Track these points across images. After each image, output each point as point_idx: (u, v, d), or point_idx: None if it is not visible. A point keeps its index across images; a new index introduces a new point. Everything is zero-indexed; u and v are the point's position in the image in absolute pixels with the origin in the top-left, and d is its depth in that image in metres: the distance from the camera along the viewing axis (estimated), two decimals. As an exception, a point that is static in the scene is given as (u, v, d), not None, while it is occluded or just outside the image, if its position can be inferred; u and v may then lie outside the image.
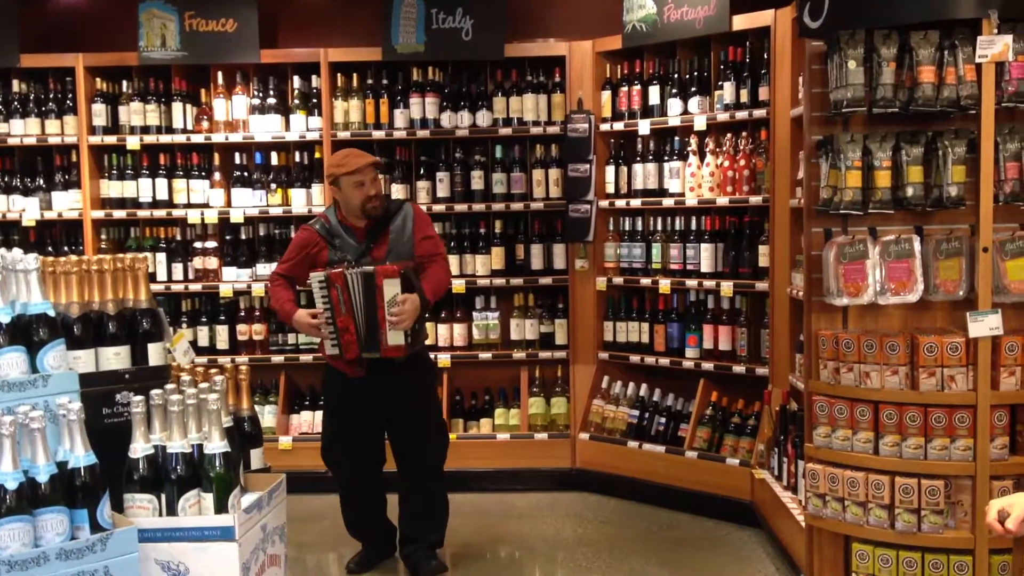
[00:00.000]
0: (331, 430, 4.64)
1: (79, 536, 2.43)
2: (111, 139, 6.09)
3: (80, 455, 2.46)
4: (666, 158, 5.73)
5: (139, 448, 2.64)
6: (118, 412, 2.83)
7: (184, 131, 6.13)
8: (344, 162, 4.39)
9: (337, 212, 4.48)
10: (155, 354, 2.96)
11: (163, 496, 2.65)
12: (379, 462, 4.64)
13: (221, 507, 2.67)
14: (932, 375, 3.74)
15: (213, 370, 3.14)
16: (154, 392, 2.70)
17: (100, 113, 6.08)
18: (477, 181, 6.08)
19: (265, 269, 6.11)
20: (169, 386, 2.81)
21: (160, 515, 2.64)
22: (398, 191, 6.03)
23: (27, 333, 2.61)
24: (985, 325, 3.70)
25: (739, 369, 5.42)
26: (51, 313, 2.67)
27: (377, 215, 4.40)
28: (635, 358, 5.85)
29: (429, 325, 5.60)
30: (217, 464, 2.67)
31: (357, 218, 4.43)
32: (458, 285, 5.92)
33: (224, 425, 2.78)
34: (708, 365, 5.55)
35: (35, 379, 2.57)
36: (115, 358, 2.86)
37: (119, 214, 6.13)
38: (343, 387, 4.49)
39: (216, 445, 2.69)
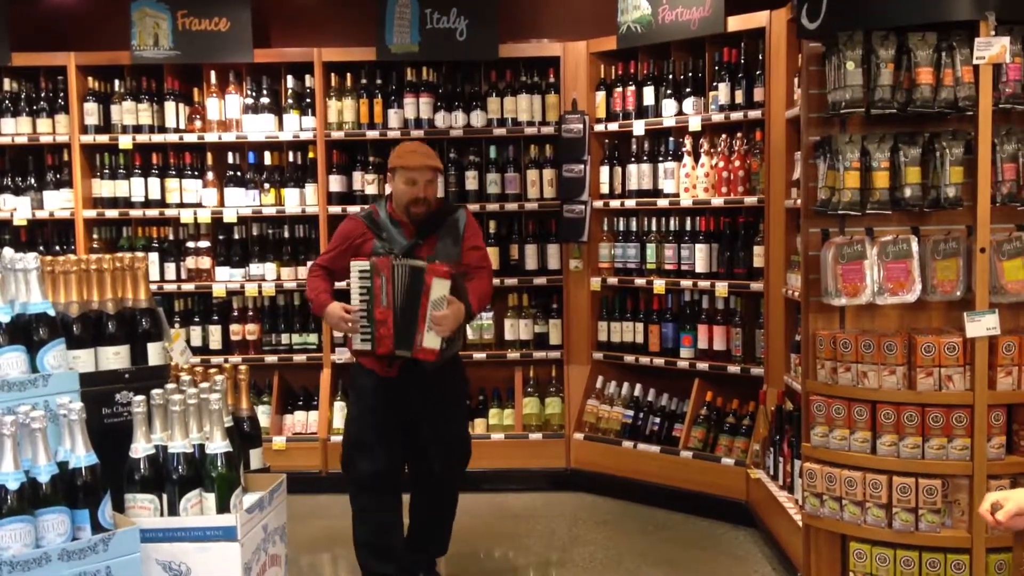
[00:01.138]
0: (356, 430, 4.27)
1: (80, 536, 2.41)
2: (103, 138, 6.05)
3: (81, 455, 2.44)
4: (661, 159, 5.73)
5: (140, 448, 2.62)
6: (118, 412, 2.81)
7: (177, 130, 6.10)
8: (404, 155, 4.17)
9: (387, 205, 4.24)
10: (155, 354, 2.94)
11: (164, 496, 2.63)
12: (400, 469, 4.35)
13: (223, 507, 2.65)
14: (929, 375, 3.75)
15: (213, 370, 3.12)
16: (155, 392, 2.68)
17: (92, 112, 6.06)
18: (471, 181, 6.08)
19: (258, 269, 6.10)
20: (170, 386, 2.79)
21: (161, 515, 2.63)
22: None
23: (27, 332, 2.60)
24: (982, 325, 3.71)
25: (734, 369, 5.43)
26: (51, 312, 2.65)
27: (419, 219, 4.13)
28: (630, 358, 5.86)
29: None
30: (219, 464, 2.66)
31: (406, 214, 4.17)
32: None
33: (225, 425, 2.77)
34: (703, 365, 5.55)
35: (35, 379, 2.55)
36: (115, 358, 2.84)
37: (111, 214, 6.10)
38: (373, 386, 4.20)
39: (218, 445, 2.67)
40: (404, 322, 3.98)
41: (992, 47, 3.63)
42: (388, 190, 4.35)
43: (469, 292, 4.10)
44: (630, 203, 5.80)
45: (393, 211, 4.21)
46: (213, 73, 6.09)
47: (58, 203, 6.10)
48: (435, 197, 4.21)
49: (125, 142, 6.03)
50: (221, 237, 6.21)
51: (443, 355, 4.04)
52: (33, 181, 6.16)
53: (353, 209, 5.99)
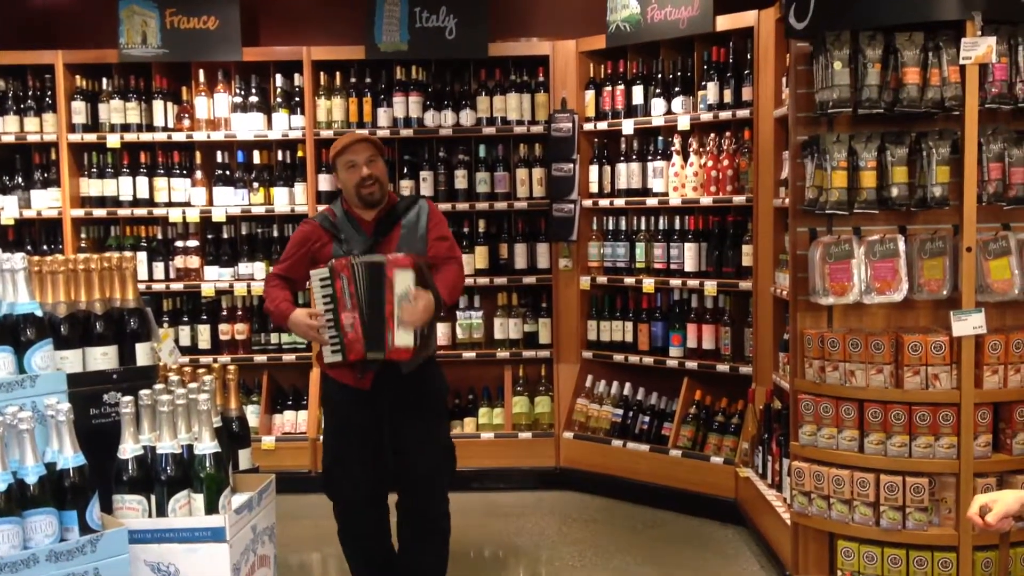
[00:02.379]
0: (333, 449, 4.03)
1: (68, 538, 2.41)
2: (91, 137, 6.03)
3: (69, 456, 2.44)
4: (650, 158, 5.74)
5: (128, 449, 2.61)
6: (106, 412, 2.80)
7: (165, 129, 6.08)
8: (338, 145, 3.95)
9: (343, 203, 4.02)
10: (143, 354, 2.94)
11: (153, 497, 2.62)
12: (384, 484, 4.05)
13: (212, 508, 2.65)
14: (916, 374, 3.77)
15: (201, 370, 3.12)
16: (143, 392, 2.67)
17: (80, 111, 6.03)
18: (460, 180, 6.07)
19: (247, 268, 6.08)
20: (158, 386, 2.78)
21: (150, 516, 2.62)
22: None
23: (14, 333, 2.59)
24: (969, 324, 3.73)
25: (723, 368, 5.44)
26: (38, 313, 2.65)
27: (375, 200, 3.90)
28: (619, 357, 5.87)
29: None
30: (208, 464, 2.65)
31: (362, 208, 3.95)
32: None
33: (213, 425, 2.76)
34: (692, 364, 5.56)
35: (23, 379, 2.54)
36: (103, 358, 2.84)
37: (99, 213, 6.07)
38: (345, 399, 3.95)
39: (206, 445, 2.67)
40: (372, 322, 3.72)
41: (978, 47, 3.65)
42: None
43: (438, 282, 3.84)
44: (619, 202, 5.81)
45: (348, 207, 3.99)
46: (202, 72, 6.07)
47: (46, 202, 6.07)
48: (384, 177, 3.95)
49: (113, 141, 6.01)
50: (210, 236, 6.19)
51: (418, 353, 3.80)
52: (20, 180, 6.13)
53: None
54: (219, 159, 6.14)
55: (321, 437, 4.49)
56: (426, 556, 4.09)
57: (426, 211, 4.01)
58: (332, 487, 4.06)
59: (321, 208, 4.39)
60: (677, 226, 5.67)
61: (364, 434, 3.95)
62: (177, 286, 6.09)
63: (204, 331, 6.09)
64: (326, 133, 6.01)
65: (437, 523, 4.08)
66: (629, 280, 5.80)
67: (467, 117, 6.05)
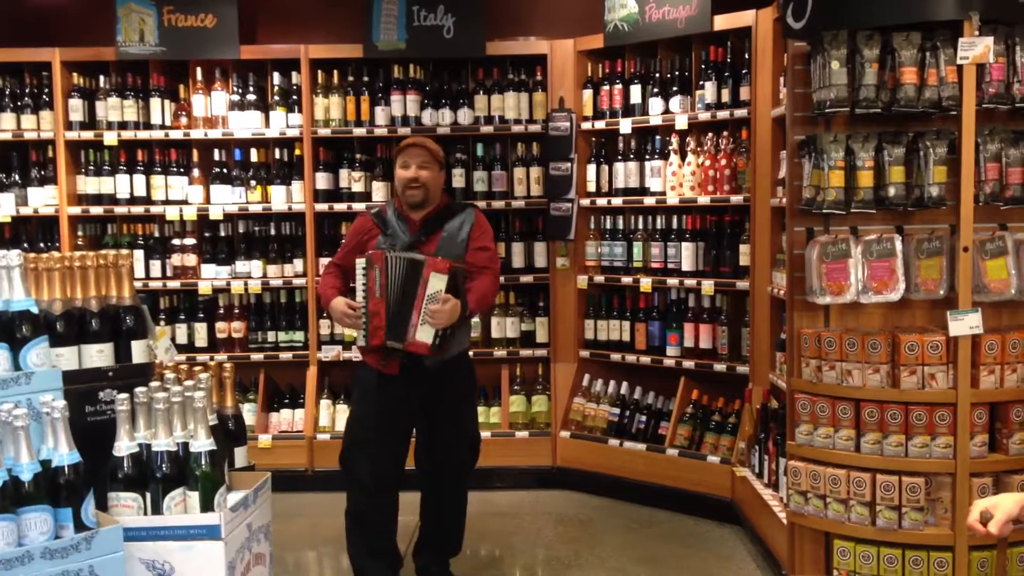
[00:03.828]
0: (356, 429, 4.23)
1: (63, 535, 2.41)
2: (88, 135, 6.02)
3: (64, 453, 2.44)
4: (647, 157, 5.74)
5: (124, 446, 2.61)
6: (101, 410, 2.80)
7: (162, 127, 6.07)
8: (401, 145, 4.22)
9: (396, 201, 4.27)
10: (139, 351, 2.94)
11: (148, 495, 2.62)
12: (400, 468, 4.27)
13: (207, 506, 2.64)
14: (913, 373, 3.77)
15: (198, 367, 3.11)
16: (139, 390, 2.68)
17: (77, 108, 6.02)
18: (458, 179, 6.07)
19: (244, 266, 6.08)
20: (154, 383, 2.78)
21: (145, 514, 2.62)
22: (379, 188, 6.01)
23: (10, 330, 2.59)
24: (965, 324, 3.74)
25: (720, 367, 5.44)
26: (34, 310, 2.65)
27: (415, 202, 4.13)
28: (616, 356, 5.87)
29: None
30: (203, 462, 2.65)
31: (411, 208, 4.17)
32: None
33: (209, 423, 2.76)
34: (689, 363, 5.56)
35: (18, 376, 2.54)
36: (98, 355, 2.83)
37: (96, 210, 6.07)
38: (374, 384, 4.15)
39: (202, 443, 2.66)
40: (396, 313, 3.97)
41: (976, 47, 3.65)
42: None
43: (469, 292, 4.06)
44: (617, 201, 5.81)
45: (400, 207, 4.22)
46: (199, 69, 6.06)
47: (42, 200, 6.07)
48: (433, 183, 4.18)
49: (110, 138, 6.00)
50: (207, 234, 6.19)
51: (438, 351, 4.00)
52: (17, 177, 6.12)
53: (340, 207, 6.00)
54: (216, 157, 6.13)
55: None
56: (446, 533, 4.42)
57: (471, 220, 4.24)
58: (347, 468, 4.24)
59: (375, 205, 4.56)
60: (674, 225, 5.67)
61: (386, 419, 4.15)
62: (174, 284, 6.09)
63: (201, 329, 6.08)
64: (323, 131, 6.01)
65: (460, 503, 4.42)
66: (626, 279, 5.80)
67: (465, 116, 6.05)
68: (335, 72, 6.08)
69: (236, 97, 6.07)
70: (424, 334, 3.95)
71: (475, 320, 6.06)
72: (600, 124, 5.87)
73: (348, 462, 4.21)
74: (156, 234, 6.20)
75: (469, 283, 4.09)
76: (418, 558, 4.46)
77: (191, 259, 6.10)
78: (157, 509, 2.62)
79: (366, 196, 6.02)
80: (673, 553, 4.94)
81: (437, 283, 3.93)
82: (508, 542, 5.14)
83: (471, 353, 5.92)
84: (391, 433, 4.18)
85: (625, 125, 5.73)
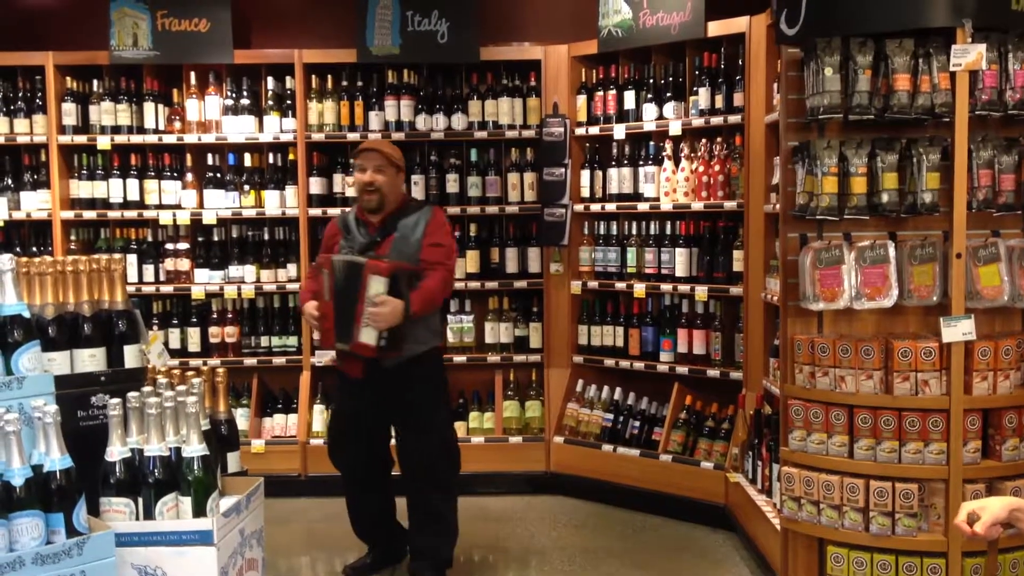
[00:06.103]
0: (333, 430, 4.54)
1: (55, 540, 2.40)
2: (81, 139, 6.01)
3: (56, 458, 2.43)
4: (641, 163, 5.75)
5: (116, 451, 2.60)
6: (93, 415, 2.80)
7: (156, 131, 6.07)
8: (359, 147, 4.36)
9: (356, 206, 4.43)
10: (131, 356, 2.93)
11: (140, 500, 2.62)
12: (380, 466, 4.50)
13: (199, 511, 2.64)
14: (906, 379, 3.78)
15: (190, 372, 3.11)
16: (131, 395, 2.67)
17: (70, 112, 6.01)
18: (452, 184, 6.07)
19: (237, 271, 6.07)
20: (146, 388, 2.77)
21: (137, 519, 2.61)
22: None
23: (1, 334, 2.58)
24: (958, 330, 3.74)
25: (713, 373, 5.45)
26: (26, 314, 2.64)
27: (371, 207, 4.25)
28: (609, 362, 5.86)
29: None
30: (195, 467, 2.64)
31: (369, 211, 4.29)
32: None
33: (202, 428, 2.75)
34: (682, 369, 5.57)
35: (9, 381, 2.53)
36: (90, 360, 2.83)
37: (89, 215, 6.05)
38: (343, 387, 4.42)
39: (194, 448, 2.66)
40: (342, 316, 4.08)
41: (969, 54, 3.66)
42: None
43: (416, 291, 4.07)
44: (611, 207, 5.81)
45: (359, 211, 4.35)
46: (193, 74, 6.06)
47: (35, 204, 6.05)
48: (389, 187, 4.25)
49: (103, 143, 5.99)
50: (200, 239, 6.17)
51: (387, 351, 4.06)
52: (10, 181, 6.11)
53: (334, 211, 6.00)
54: (210, 161, 6.12)
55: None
56: (425, 538, 4.42)
57: (427, 217, 4.27)
58: (333, 459, 4.52)
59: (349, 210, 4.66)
60: (668, 231, 5.68)
61: (356, 420, 4.35)
62: (167, 289, 6.07)
63: (194, 334, 6.07)
64: (317, 136, 6.01)
65: (436, 508, 4.39)
66: (620, 285, 5.80)
67: (459, 121, 6.05)
68: (329, 77, 6.08)
69: (230, 101, 6.06)
70: (367, 336, 4.03)
71: (469, 325, 6.08)
72: (594, 130, 5.87)
73: (333, 457, 4.51)
74: (149, 238, 6.18)
75: (421, 281, 4.13)
76: (412, 562, 4.49)
77: (184, 264, 6.08)
78: (149, 514, 2.62)
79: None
80: (666, 559, 4.94)
81: (377, 285, 3.99)
82: (501, 547, 5.13)
83: (464, 359, 6.03)
84: (361, 433, 4.36)
85: (619, 131, 5.74)
